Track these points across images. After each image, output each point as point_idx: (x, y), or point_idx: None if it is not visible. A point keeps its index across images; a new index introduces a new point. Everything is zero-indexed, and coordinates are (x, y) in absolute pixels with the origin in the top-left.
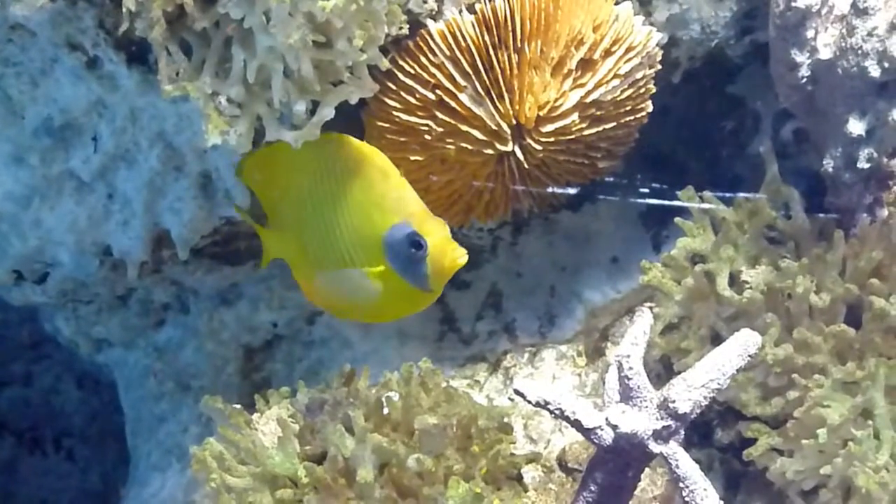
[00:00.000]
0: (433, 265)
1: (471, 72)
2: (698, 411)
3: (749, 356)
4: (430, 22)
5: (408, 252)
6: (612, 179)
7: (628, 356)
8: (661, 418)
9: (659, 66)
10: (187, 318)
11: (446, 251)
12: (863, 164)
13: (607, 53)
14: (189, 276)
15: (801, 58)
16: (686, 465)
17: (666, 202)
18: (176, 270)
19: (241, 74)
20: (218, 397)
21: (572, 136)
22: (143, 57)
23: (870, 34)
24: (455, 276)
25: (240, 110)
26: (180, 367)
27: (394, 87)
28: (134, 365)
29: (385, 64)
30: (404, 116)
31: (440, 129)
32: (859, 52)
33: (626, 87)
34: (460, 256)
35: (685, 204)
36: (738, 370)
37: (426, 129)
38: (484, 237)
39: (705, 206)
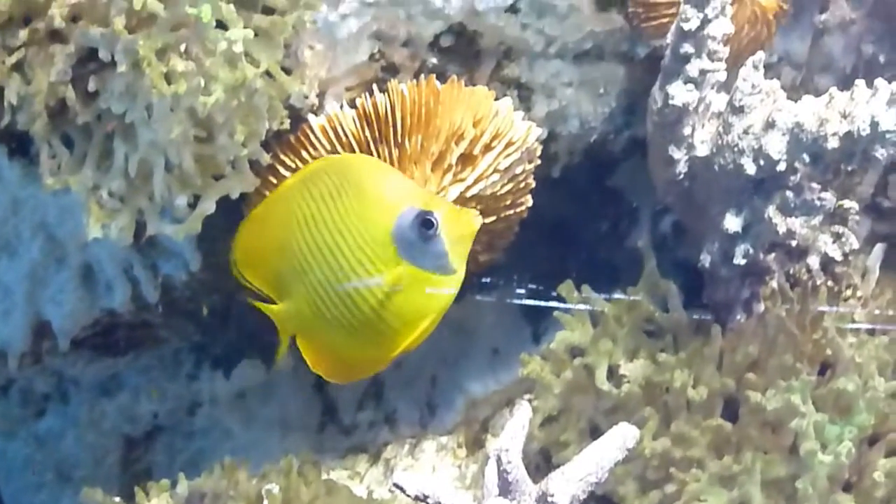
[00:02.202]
0: (450, 237)
1: None
2: None
3: (627, 449)
4: (311, 116)
5: (420, 234)
6: (492, 274)
7: (507, 450)
8: None
9: (538, 161)
10: (68, 408)
11: (460, 217)
12: (739, 260)
13: (487, 148)
14: (70, 366)
15: (678, 154)
16: None
17: (543, 303)
18: (57, 361)
19: (122, 168)
20: (98, 489)
21: None
22: (25, 149)
23: (745, 132)
24: None
25: (121, 204)
26: (60, 457)
27: (275, 181)
28: (14, 455)
29: (266, 158)
30: None
31: None
32: (735, 149)
33: (505, 181)
34: (473, 219)
35: (561, 307)
36: (616, 463)
37: None
38: None
39: (583, 300)
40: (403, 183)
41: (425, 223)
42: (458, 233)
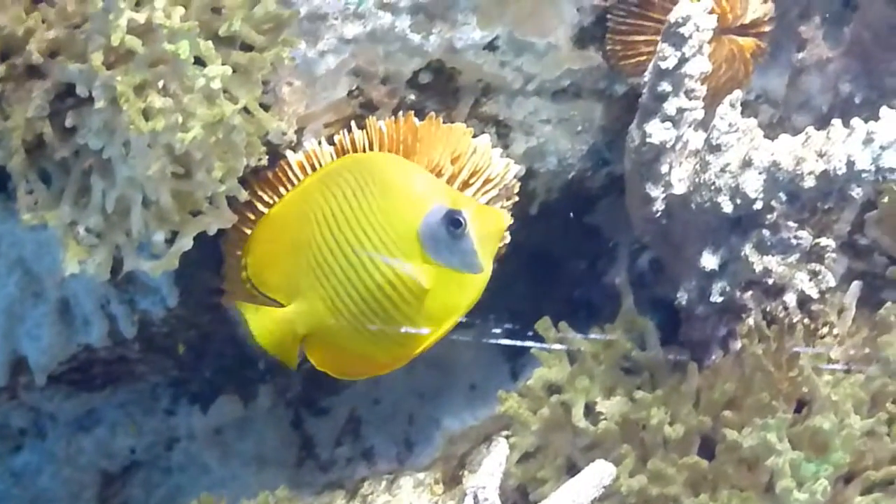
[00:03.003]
0: (478, 235)
1: None
2: None
3: (604, 487)
4: (289, 153)
5: (448, 233)
6: (469, 311)
7: (484, 486)
8: None
9: (517, 198)
10: (45, 444)
11: (488, 215)
12: (716, 298)
13: (465, 185)
14: (47, 401)
15: (655, 192)
16: None
17: (520, 343)
18: (33, 396)
19: (99, 204)
20: None
21: None
22: (3, 184)
23: (723, 170)
24: (314, 402)
25: (98, 240)
26: (37, 492)
27: (253, 217)
28: None
29: (244, 195)
30: None
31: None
32: (712, 187)
33: None
34: (503, 217)
35: (537, 346)
36: (592, 500)
37: None
38: None
39: (561, 338)
40: (430, 180)
41: (454, 221)
42: (486, 231)
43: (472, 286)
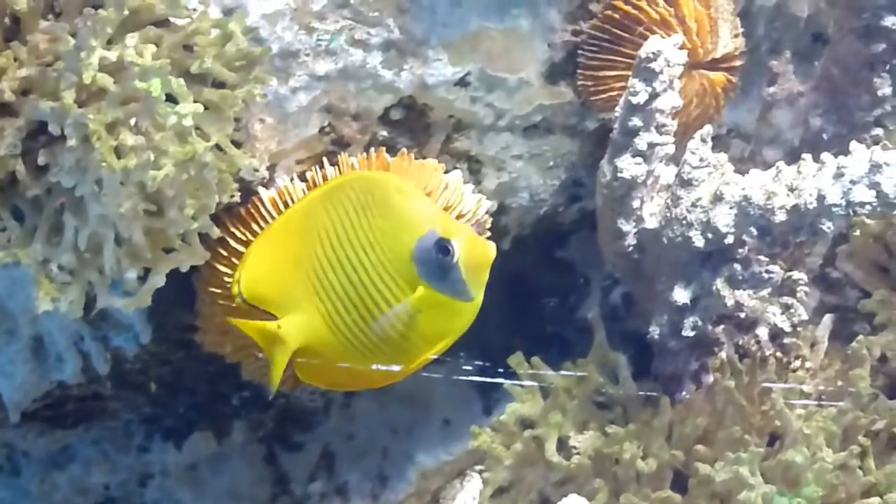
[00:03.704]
0: (466, 266)
1: None
2: None
3: None
4: (261, 189)
5: (438, 260)
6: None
7: None
8: None
9: (489, 233)
10: (19, 480)
11: (475, 248)
12: (688, 332)
13: None
14: (20, 438)
15: (627, 227)
16: None
17: (492, 380)
18: (7, 433)
19: (72, 242)
20: None
21: None
22: None
23: (694, 205)
24: (288, 438)
25: (71, 277)
26: None
27: (225, 254)
28: None
29: (216, 232)
30: None
31: None
32: (684, 222)
33: None
34: (490, 249)
35: (511, 382)
36: None
37: None
38: (316, 399)
39: (534, 373)
40: (427, 205)
41: (443, 249)
42: (474, 261)
43: (465, 312)
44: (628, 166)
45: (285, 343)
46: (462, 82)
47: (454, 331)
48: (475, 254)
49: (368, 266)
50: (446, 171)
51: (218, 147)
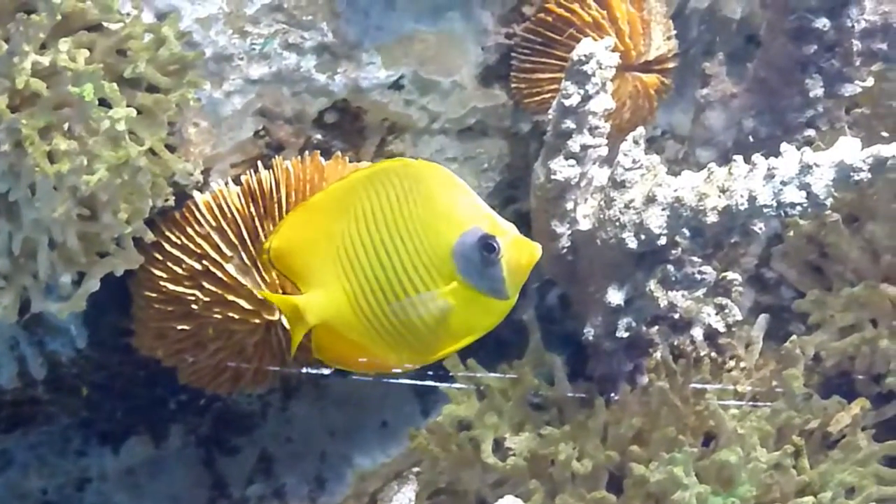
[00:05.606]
0: (509, 265)
1: (237, 242)
2: None
3: None
4: (196, 193)
5: (481, 257)
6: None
7: None
8: None
9: None
10: None
11: (522, 247)
12: (622, 334)
13: None
14: None
15: (561, 228)
16: None
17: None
18: None
19: (6, 247)
20: None
21: None
22: None
23: (627, 206)
24: (225, 441)
25: (5, 282)
26: None
27: (160, 258)
28: None
29: (150, 236)
30: (171, 286)
31: (207, 299)
32: (617, 223)
33: None
34: (536, 250)
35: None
36: None
37: (193, 298)
38: (254, 402)
39: (469, 375)
40: (473, 201)
41: (487, 246)
42: (517, 262)
43: (496, 311)
44: (561, 168)
45: (304, 318)
46: (396, 85)
47: (482, 328)
48: (520, 254)
49: (403, 253)
50: None
51: (152, 151)
